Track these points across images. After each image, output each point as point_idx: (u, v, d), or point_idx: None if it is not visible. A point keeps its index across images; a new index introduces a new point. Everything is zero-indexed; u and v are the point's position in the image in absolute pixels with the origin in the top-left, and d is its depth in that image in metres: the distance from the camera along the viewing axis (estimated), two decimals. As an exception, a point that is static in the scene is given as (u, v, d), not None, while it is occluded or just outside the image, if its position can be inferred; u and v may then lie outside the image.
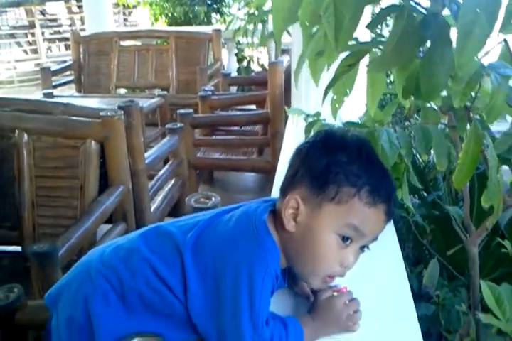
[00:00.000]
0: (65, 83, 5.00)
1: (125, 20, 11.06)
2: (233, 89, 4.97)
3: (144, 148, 2.29)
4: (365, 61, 1.08)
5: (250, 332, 0.83)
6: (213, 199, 1.47)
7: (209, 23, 6.95)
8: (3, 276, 1.93)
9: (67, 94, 4.64)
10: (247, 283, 0.84)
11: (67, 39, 7.75)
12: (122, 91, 5.15)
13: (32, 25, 9.45)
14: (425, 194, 1.99)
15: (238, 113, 3.86)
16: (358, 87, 1.18)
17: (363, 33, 1.01)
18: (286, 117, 2.74)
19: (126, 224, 2.06)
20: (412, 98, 1.16)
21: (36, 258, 1.49)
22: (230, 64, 5.53)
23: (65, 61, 5.25)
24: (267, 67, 3.43)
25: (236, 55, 5.98)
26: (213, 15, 7.07)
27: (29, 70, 8.53)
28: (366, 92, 1.17)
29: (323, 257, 0.89)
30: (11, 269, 2.01)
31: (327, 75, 1.12)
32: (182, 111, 3.20)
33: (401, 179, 1.39)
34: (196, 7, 6.74)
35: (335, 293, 0.95)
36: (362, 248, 0.92)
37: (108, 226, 2.00)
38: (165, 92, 4.23)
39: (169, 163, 2.79)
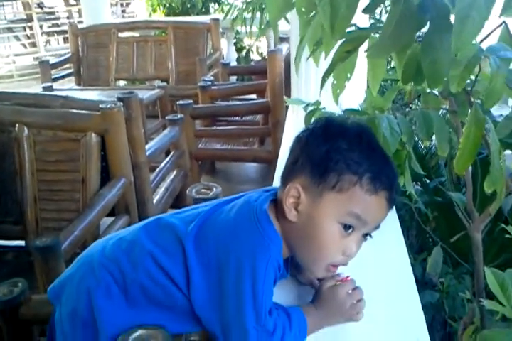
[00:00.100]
0: (64, 76, 4.98)
1: (123, 11, 10.99)
2: (233, 78, 4.94)
3: (144, 139, 2.28)
4: (364, 46, 1.06)
5: (253, 322, 0.83)
6: (214, 189, 1.46)
7: (207, 12, 6.90)
8: (8, 271, 1.94)
9: (67, 87, 4.63)
10: (249, 273, 0.84)
11: (65, 32, 7.71)
12: (122, 83, 5.14)
13: (30, 19, 9.40)
14: (427, 180, 1.98)
15: (238, 103, 3.84)
16: (357, 73, 1.17)
17: (361, 19, 0.99)
18: (287, 106, 2.72)
19: (128, 216, 2.06)
20: (412, 83, 1.15)
21: (39, 253, 1.49)
22: (229, 53, 5.50)
23: (63, 54, 5.21)
24: (266, 56, 3.40)
25: (235, 44, 5.95)
26: (211, 4, 7.02)
27: (28, 64, 8.50)
28: (367, 74, 1.16)
29: (325, 246, 0.88)
30: (15, 264, 2.02)
31: (326, 63, 1.11)
32: (182, 102, 3.19)
33: (403, 166, 1.38)
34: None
35: (338, 283, 0.95)
36: (364, 236, 0.91)
37: (111, 219, 2.00)
38: (165, 83, 4.22)
39: (170, 154, 2.78)
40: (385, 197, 0.87)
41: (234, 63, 5.47)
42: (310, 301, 0.97)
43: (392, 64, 2.45)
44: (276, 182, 0.97)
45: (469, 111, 1.12)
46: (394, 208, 1.25)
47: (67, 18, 10.23)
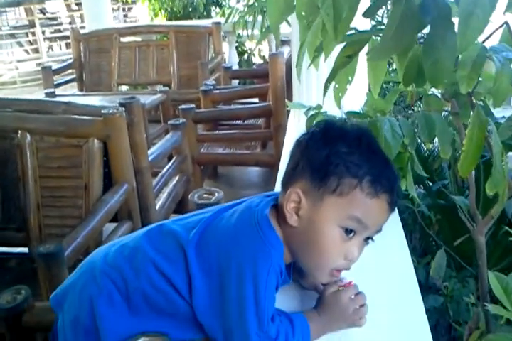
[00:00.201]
0: (66, 82, 4.99)
1: (125, 16, 11.04)
2: (235, 82, 4.95)
3: (147, 145, 2.29)
4: (365, 49, 1.06)
5: (256, 329, 0.83)
6: (216, 194, 1.46)
7: (208, 16, 6.91)
8: (11, 278, 1.94)
9: (69, 93, 4.65)
10: (251, 279, 0.84)
11: (67, 37, 7.74)
12: (124, 88, 5.14)
13: (32, 25, 9.44)
14: (430, 183, 1.97)
15: (240, 107, 3.84)
16: (358, 75, 1.16)
17: (360, 23, 0.99)
18: (289, 110, 2.72)
19: (131, 222, 2.06)
20: (414, 85, 1.14)
21: (42, 259, 1.49)
22: (230, 57, 5.51)
23: (66, 60, 5.24)
24: (268, 59, 3.40)
25: (237, 48, 5.96)
26: (212, 8, 7.03)
27: (31, 70, 8.53)
28: (368, 76, 1.15)
29: (326, 251, 0.88)
30: (18, 270, 2.02)
31: (327, 67, 1.11)
32: (184, 106, 3.19)
33: (405, 168, 1.37)
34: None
35: (340, 288, 0.94)
36: (366, 240, 0.91)
37: (113, 224, 2.00)
38: (167, 88, 4.22)
39: (173, 159, 2.78)
40: (386, 200, 0.87)
41: (236, 67, 5.48)
42: (313, 307, 0.96)
43: (394, 66, 2.45)
44: (279, 186, 0.97)
45: (471, 112, 1.12)
46: (396, 211, 1.24)
47: (70, 23, 10.27)
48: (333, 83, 1.17)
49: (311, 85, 2.29)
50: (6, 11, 10.36)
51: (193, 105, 3.26)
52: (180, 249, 0.90)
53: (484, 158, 1.51)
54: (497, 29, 0.99)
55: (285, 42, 3.73)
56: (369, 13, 0.96)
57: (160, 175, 2.57)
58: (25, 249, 2.03)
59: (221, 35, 4.78)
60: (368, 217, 0.86)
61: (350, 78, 1.18)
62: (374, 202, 0.86)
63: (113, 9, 8.45)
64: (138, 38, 5.26)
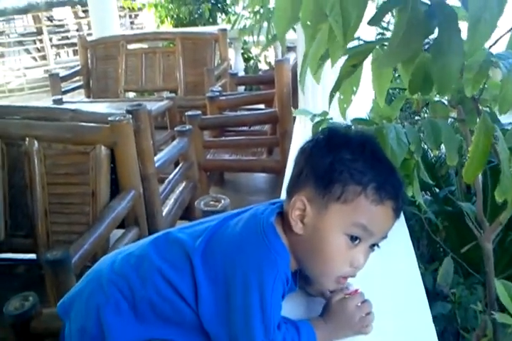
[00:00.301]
0: (74, 89, 5.02)
1: (131, 23, 11.11)
2: (241, 88, 4.96)
3: (153, 151, 2.29)
4: (369, 58, 1.06)
5: (262, 337, 0.83)
6: (223, 201, 1.47)
7: (214, 22, 6.94)
8: (19, 284, 1.95)
9: (77, 100, 4.67)
10: (257, 287, 0.84)
11: (75, 44, 7.81)
12: (131, 94, 5.17)
13: (40, 32, 9.53)
14: (437, 189, 1.97)
15: (247, 113, 3.85)
16: (364, 81, 1.16)
17: (364, 31, 0.99)
18: (295, 116, 2.72)
19: (138, 228, 2.06)
20: (420, 94, 1.15)
21: (49, 266, 1.49)
22: (236, 63, 5.52)
23: (73, 67, 5.28)
24: (274, 66, 3.41)
25: (243, 54, 5.97)
26: (218, 14, 7.05)
27: (39, 77, 8.60)
28: (372, 85, 1.15)
29: (332, 258, 0.88)
30: (26, 277, 2.02)
31: (332, 74, 1.11)
32: (190, 113, 3.20)
33: (411, 175, 1.37)
34: (201, 5, 6.71)
35: (346, 296, 0.94)
36: (372, 246, 0.90)
37: (121, 231, 2.00)
38: (173, 95, 4.24)
39: (179, 165, 2.79)
40: (391, 206, 0.87)
41: (242, 73, 5.49)
42: (319, 314, 0.96)
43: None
44: (285, 192, 0.97)
45: (478, 119, 1.12)
46: (402, 217, 1.24)
47: (77, 30, 10.36)
48: (337, 94, 1.17)
49: (317, 91, 2.29)
50: (14, 19, 10.47)
51: (199, 111, 3.27)
52: (187, 257, 0.91)
53: (491, 164, 1.51)
54: (504, 35, 0.99)
55: (291, 49, 3.74)
56: (374, 21, 0.96)
57: (166, 181, 2.57)
58: (33, 256, 2.04)
59: (227, 41, 4.80)
60: (373, 224, 0.86)
61: (354, 89, 1.19)
62: (379, 208, 0.86)
63: (120, 16, 8.50)
64: (144, 45, 5.29)
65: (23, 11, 9.37)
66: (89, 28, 8.50)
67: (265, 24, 4.81)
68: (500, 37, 0.98)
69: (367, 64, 1.08)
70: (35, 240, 2.01)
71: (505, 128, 1.13)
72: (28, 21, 10.87)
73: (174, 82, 4.71)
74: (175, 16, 6.92)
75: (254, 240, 0.88)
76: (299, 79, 1.22)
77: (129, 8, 8.30)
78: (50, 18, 10.78)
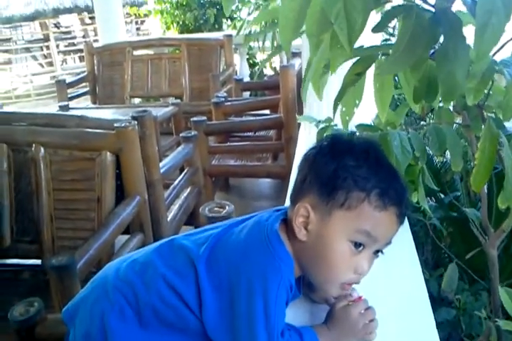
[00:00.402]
0: (80, 95, 5.05)
1: (138, 29, 11.18)
2: (246, 94, 4.97)
3: (159, 157, 2.30)
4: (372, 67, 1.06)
5: (266, 344, 0.83)
6: (227, 207, 1.47)
7: (220, 28, 6.97)
8: (24, 290, 1.95)
9: (83, 106, 4.70)
10: (261, 294, 0.84)
11: (81, 51, 7.86)
12: (137, 100, 5.19)
13: (46, 39, 9.61)
14: (442, 195, 1.96)
15: (252, 118, 3.86)
16: (369, 87, 1.16)
17: (367, 39, 0.99)
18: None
19: (143, 234, 2.07)
20: (424, 102, 1.14)
21: (54, 272, 1.50)
22: (242, 69, 5.54)
23: (79, 73, 5.31)
24: (279, 71, 3.42)
25: (248, 60, 5.99)
26: (224, 20, 7.08)
27: (45, 83, 8.66)
28: (374, 97, 1.16)
29: (336, 265, 0.88)
30: (31, 282, 2.03)
31: (337, 82, 1.11)
32: (196, 118, 3.21)
33: (416, 181, 1.37)
34: (206, 11, 6.73)
35: (350, 303, 0.94)
36: (376, 253, 0.90)
37: (125, 237, 2.01)
38: (179, 100, 4.25)
39: (184, 171, 2.79)
40: (394, 212, 0.87)
41: (247, 79, 5.51)
42: (323, 321, 0.96)
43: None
44: (288, 199, 0.97)
45: (482, 125, 1.12)
46: (407, 223, 1.23)
47: (83, 37, 10.43)
48: (339, 106, 1.17)
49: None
50: (21, 26, 10.55)
51: (204, 117, 3.28)
52: (191, 264, 0.91)
53: (496, 170, 1.51)
54: (508, 41, 0.99)
55: (296, 55, 3.75)
56: (378, 29, 0.97)
57: (172, 187, 2.58)
58: (38, 261, 2.04)
59: (232, 47, 4.81)
60: (377, 230, 0.86)
61: (357, 101, 1.19)
62: (383, 215, 0.85)
63: (126, 22, 8.56)
64: (150, 51, 5.31)
65: (30, 18, 9.45)
66: (96, 35, 8.56)
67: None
68: (505, 43, 0.99)
69: (371, 72, 1.08)
70: (40, 246, 2.01)
71: (510, 134, 1.12)
72: (35, 28, 10.96)
73: (180, 87, 4.73)
74: (180, 22, 6.96)
75: (259, 247, 0.88)
76: (302, 86, 1.22)
77: (135, 14, 8.36)
78: (56, 25, 10.86)
